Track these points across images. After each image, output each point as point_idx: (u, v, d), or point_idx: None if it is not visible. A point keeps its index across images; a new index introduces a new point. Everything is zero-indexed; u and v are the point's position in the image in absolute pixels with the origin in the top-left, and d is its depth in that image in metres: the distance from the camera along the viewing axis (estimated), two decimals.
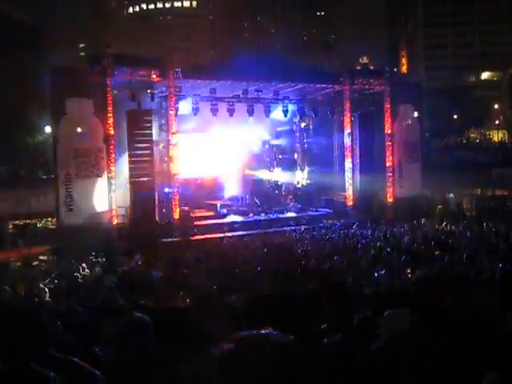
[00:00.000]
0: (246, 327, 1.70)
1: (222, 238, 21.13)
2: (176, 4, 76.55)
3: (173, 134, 22.52)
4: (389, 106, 26.56)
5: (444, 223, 20.67)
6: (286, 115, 26.53)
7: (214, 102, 24.05)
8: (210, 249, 17.77)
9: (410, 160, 27.50)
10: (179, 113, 22.99)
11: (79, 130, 20.73)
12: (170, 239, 21.17)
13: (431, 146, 41.82)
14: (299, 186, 29.54)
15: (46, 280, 12.58)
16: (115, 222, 21.06)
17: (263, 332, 1.52)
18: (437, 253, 13.11)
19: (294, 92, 26.16)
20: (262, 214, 25.38)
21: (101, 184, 20.99)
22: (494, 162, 35.74)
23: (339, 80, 25.77)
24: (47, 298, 10.11)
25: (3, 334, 2.38)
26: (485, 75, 70.63)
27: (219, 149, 27.41)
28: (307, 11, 72.32)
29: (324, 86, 26.11)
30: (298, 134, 30.01)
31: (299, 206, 27.09)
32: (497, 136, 54.58)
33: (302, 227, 23.20)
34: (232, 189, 28.10)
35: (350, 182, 26.37)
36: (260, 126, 27.40)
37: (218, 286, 9.46)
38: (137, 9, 77.28)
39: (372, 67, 53.03)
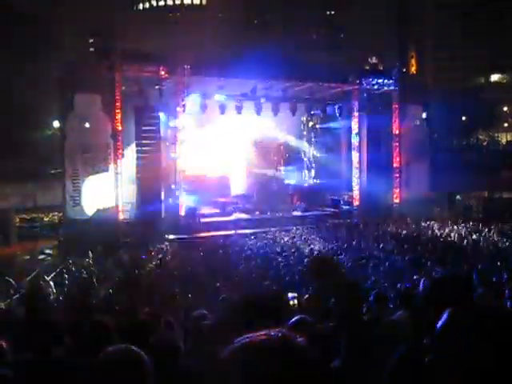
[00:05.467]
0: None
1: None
2: (186, 1, 76.52)
3: (180, 130, 22.52)
4: (397, 106, 26.47)
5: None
6: (293, 114, 26.47)
7: (221, 100, 24.02)
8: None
9: (418, 161, 27.38)
10: (187, 109, 22.97)
11: (87, 125, 20.79)
12: (176, 236, 21.16)
13: (439, 147, 41.58)
14: (306, 185, 29.48)
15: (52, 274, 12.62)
16: (122, 217, 21.09)
17: (273, 333, 1.21)
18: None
19: (303, 91, 26.09)
20: (268, 213, 25.33)
21: (108, 179, 21.03)
22: (502, 164, 35.52)
23: (348, 80, 25.69)
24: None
25: None
26: (494, 77, 70.20)
27: (226, 146, 27.37)
28: (316, 10, 72.05)
29: (332, 85, 26.02)
30: (305, 133, 29.95)
31: (305, 205, 27.03)
32: (505, 138, 54.32)
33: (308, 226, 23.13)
34: (239, 187, 28.07)
35: (356, 181, 26.28)
36: (267, 125, 27.35)
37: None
38: (146, 5, 77.32)
39: (381, 67, 52.80)
